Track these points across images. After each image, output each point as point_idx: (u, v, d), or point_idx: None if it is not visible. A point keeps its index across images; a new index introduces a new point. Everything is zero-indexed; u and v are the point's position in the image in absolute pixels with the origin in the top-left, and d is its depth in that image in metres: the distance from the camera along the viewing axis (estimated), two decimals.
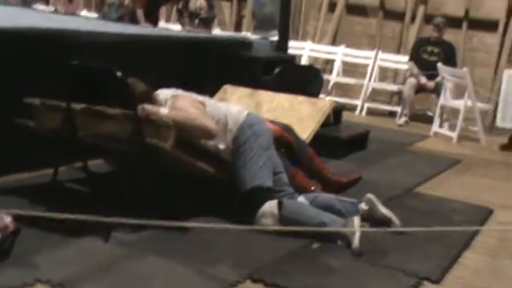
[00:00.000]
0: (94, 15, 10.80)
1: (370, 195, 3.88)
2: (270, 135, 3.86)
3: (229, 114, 3.78)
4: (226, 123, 3.74)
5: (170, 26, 10.09)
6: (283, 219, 3.58)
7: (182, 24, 9.45)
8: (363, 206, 3.84)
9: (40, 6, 10.69)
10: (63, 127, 3.53)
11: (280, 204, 3.62)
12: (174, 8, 10.70)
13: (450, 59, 8.31)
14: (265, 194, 3.65)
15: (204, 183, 3.93)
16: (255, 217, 3.61)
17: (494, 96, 8.73)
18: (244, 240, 3.45)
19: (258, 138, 3.73)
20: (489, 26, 9.06)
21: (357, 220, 3.52)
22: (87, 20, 7.88)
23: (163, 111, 3.53)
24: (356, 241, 3.42)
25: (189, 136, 3.53)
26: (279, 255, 3.34)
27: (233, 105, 4.06)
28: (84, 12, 10.94)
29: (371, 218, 3.82)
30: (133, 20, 7.78)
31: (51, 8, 10.92)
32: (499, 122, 8.63)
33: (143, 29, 7.49)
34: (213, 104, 3.86)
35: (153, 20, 8.40)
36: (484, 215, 4.53)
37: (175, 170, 3.84)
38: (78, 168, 3.75)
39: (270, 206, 3.62)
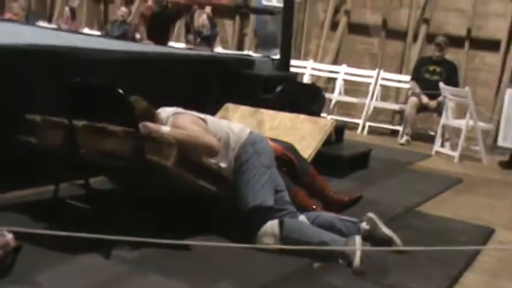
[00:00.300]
0: (96, 32, 10.86)
1: (371, 214, 3.87)
2: (272, 153, 3.86)
3: (231, 132, 3.79)
4: (228, 141, 3.75)
5: (173, 44, 10.13)
6: (284, 239, 3.57)
7: (187, 41, 9.50)
8: (364, 225, 3.83)
9: (43, 24, 10.77)
10: (65, 144, 3.54)
11: (281, 224, 3.61)
12: (182, 25, 10.77)
13: (452, 78, 8.33)
14: (267, 213, 3.65)
15: (205, 201, 3.92)
16: (256, 236, 3.60)
17: (496, 115, 8.74)
18: (245, 259, 3.44)
19: (260, 156, 3.73)
20: (491, 45, 9.10)
21: (358, 239, 3.51)
22: (89, 38, 7.91)
23: (165, 129, 3.54)
24: (357, 260, 3.41)
25: (192, 154, 3.53)
26: (281, 274, 3.33)
27: (235, 123, 4.06)
28: (86, 30, 11.01)
29: (372, 238, 3.81)
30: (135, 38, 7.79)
31: (53, 26, 11.00)
32: (500, 142, 8.61)
33: (145, 46, 7.53)
34: (214, 122, 3.87)
35: (162, 37, 8.40)
36: (485, 234, 4.51)
37: (177, 188, 3.83)
38: (80, 185, 3.75)
39: (272, 225, 3.61)
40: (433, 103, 8.30)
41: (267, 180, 3.70)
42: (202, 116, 3.81)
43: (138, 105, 3.58)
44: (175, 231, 3.42)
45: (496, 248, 4.29)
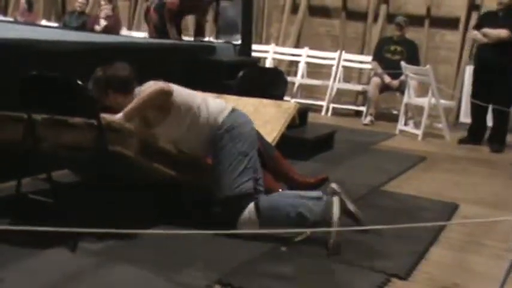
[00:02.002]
0: (54, 24, 10.70)
1: (334, 185, 3.80)
2: (252, 137, 3.77)
3: (204, 107, 3.71)
4: (197, 115, 3.68)
5: (133, 33, 10.06)
6: (262, 222, 3.58)
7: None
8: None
9: None
10: (25, 138, 3.48)
11: (257, 208, 3.60)
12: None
13: (413, 57, 8.40)
14: (245, 201, 3.62)
15: (169, 188, 3.91)
16: (237, 226, 3.58)
17: (457, 92, 8.84)
18: (215, 245, 3.43)
19: (236, 144, 3.66)
20: (450, 23, 9.19)
21: (336, 201, 3.57)
22: (46, 29, 7.79)
23: (118, 116, 3.49)
24: (333, 236, 3.48)
25: (152, 114, 3.59)
26: (251, 258, 3.34)
27: (214, 99, 3.93)
28: (44, 22, 10.84)
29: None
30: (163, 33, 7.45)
31: (9, 18, 10.81)
32: (462, 118, 8.74)
33: (104, 36, 7.44)
34: (185, 91, 3.78)
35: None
36: (450, 210, 4.58)
37: (140, 176, 3.81)
38: (42, 179, 3.70)
39: (249, 212, 3.60)
40: (395, 82, 8.36)
41: (243, 168, 3.64)
42: (171, 84, 3.74)
43: (119, 71, 3.63)
44: (141, 221, 3.40)
45: (460, 222, 4.36)
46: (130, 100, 3.61)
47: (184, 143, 3.71)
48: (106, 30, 9.20)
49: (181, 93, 3.72)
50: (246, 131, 3.75)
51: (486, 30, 7.08)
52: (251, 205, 3.60)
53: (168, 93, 3.62)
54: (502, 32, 6.95)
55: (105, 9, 9.72)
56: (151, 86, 3.64)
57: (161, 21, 7.19)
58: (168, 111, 3.65)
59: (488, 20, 7.29)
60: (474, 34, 7.37)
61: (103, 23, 9.54)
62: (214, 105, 3.78)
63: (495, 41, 6.99)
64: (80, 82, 3.29)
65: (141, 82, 3.77)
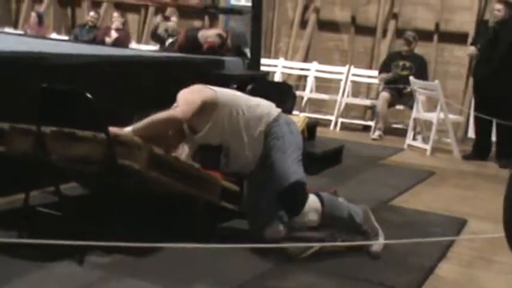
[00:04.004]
0: (64, 37, 10.76)
1: (340, 200, 3.88)
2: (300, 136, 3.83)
3: (255, 106, 3.71)
4: (248, 114, 3.65)
5: (142, 47, 10.10)
6: (324, 213, 3.63)
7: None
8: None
9: (9, 30, 10.65)
10: (34, 151, 3.50)
11: (320, 199, 3.65)
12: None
13: (421, 72, 8.39)
14: (305, 189, 3.62)
15: (179, 202, 3.91)
16: (302, 213, 3.59)
17: (466, 107, 8.82)
18: (223, 259, 3.43)
19: (294, 136, 3.70)
20: (459, 38, 9.17)
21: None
22: (57, 43, 7.84)
23: (126, 129, 3.49)
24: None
25: (161, 135, 3.58)
26: (259, 272, 3.34)
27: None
28: (54, 35, 10.90)
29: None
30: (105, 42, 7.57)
31: (20, 32, 10.88)
32: (471, 133, 8.70)
33: (114, 50, 7.47)
34: (229, 93, 3.79)
35: None
36: (458, 225, 4.56)
37: (150, 190, 3.81)
38: (51, 192, 3.71)
39: (314, 201, 3.63)
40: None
41: (300, 159, 3.68)
42: (213, 87, 3.73)
43: None
44: (149, 234, 3.40)
45: (469, 238, 4.33)
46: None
47: (235, 142, 3.68)
48: (116, 43, 9.24)
49: (224, 96, 3.69)
50: (296, 128, 3.81)
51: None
52: (312, 196, 3.64)
53: (177, 123, 3.60)
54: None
55: (117, 21, 9.78)
56: (155, 115, 3.57)
57: (186, 46, 7.23)
58: (212, 116, 3.63)
59: (485, 34, 7.29)
60: (471, 49, 7.39)
61: (114, 34, 9.60)
62: (264, 102, 3.80)
63: (492, 56, 6.99)
64: (89, 95, 3.30)
65: (149, 95, 3.77)
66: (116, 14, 10.05)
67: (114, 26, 9.74)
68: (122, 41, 9.42)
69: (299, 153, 3.66)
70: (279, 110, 3.79)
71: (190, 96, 3.62)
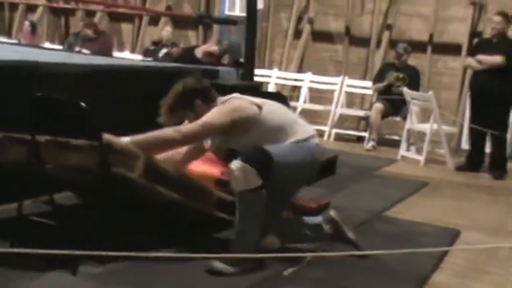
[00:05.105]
0: (58, 46, 10.75)
1: (332, 213, 3.88)
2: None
3: (299, 126, 3.72)
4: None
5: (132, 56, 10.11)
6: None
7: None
8: (328, 229, 3.83)
9: (2, 39, 10.64)
10: (28, 160, 3.49)
11: None
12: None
13: (414, 83, 8.42)
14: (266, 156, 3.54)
15: (173, 212, 3.89)
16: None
17: (459, 118, 8.85)
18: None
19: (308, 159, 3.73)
20: (453, 49, 9.22)
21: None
22: (51, 52, 7.83)
23: (125, 139, 3.48)
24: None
25: (161, 152, 3.57)
26: (254, 282, 3.33)
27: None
28: (47, 44, 10.90)
29: (338, 240, 3.82)
30: None
31: (13, 40, 10.87)
32: (464, 144, 8.73)
33: (108, 59, 7.47)
34: (276, 110, 3.74)
35: None
36: (451, 236, 4.57)
37: (144, 200, 3.80)
38: (44, 202, 3.70)
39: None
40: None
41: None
42: (259, 101, 3.68)
43: (203, 82, 3.73)
44: (142, 244, 3.39)
45: (462, 248, 4.34)
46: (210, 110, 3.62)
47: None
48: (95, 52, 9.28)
49: (269, 113, 3.64)
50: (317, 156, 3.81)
51: (480, 56, 7.13)
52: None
53: (174, 145, 3.62)
54: (496, 59, 6.99)
55: (87, 31, 9.84)
56: (156, 133, 3.58)
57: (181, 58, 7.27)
58: (248, 130, 3.59)
59: (483, 46, 7.37)
60: (469, 61, 7.44)
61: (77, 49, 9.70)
62: (307, 125, 3.82)
63: (490, 68, 7.02)
64: (83, 104, 3.29)
65: (143, 104, 3.76)
66: (81, 24, 10.14)
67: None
68: (100, 49, 9.40)
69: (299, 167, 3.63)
70: (315, 134, 3.78)
71: (215, 116, 3.58)
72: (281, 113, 3.74)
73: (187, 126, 3.60)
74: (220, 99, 3.74)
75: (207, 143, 3.78)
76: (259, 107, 3.62)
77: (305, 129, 3.72)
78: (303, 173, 3.70)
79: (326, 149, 3.86)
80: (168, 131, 3.57)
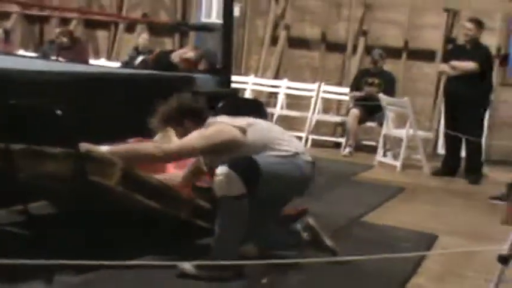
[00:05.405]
0: (33, 54, 10.65)
1: (310, 221, 3.88)
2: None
3: (284, 143, 3.69)
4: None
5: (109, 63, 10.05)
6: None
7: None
8: (305, 236, 3.83)
9: None
10: (2, 169, 3.44)
11: None
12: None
13: (390, 89, 8.46)
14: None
15: (151, 220, 3.87)
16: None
17: (435, 124, 8.91)
18: (192, 277, 3.39)
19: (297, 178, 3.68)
20: (427, 56, 9.30)
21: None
22: (24, 59, 7.75)
23: (104, 148, 3.47)
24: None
25: (139, 164, 3.56)
26: None
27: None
28: (21, 52, 10.79)
29: (314, 248, 3.82)
30: None
31: None
32: (440, 149, 8.79)
33: (83, 66, 7.41)
34: (262, 130, 3.72)
35: None
36: (429, 241, 4.58)
37: (121, 207, 3.77)
38: (18, 211, 3.66)
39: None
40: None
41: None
42: (244, 123, 3.67)
43: (196, 103, 3.76)
44: (121, 252, 3.35)
45: (440, 252, 4.36)
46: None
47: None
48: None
49: (254, 135, 3.64)
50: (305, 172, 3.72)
51: (454, 62, 7.21)
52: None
53: (155, 160, 3.66)
54: (469, 65, 7.07)
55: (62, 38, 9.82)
56: (137, 146, 3.69)
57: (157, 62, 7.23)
58: (232, 152, 3.57)
59: (456, 53, 7.47)
60: (442, 67, 7.52)
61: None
62: (294, 141, 3.84)
63: (463, 73, 7.10)
64: (58, 111, 3.26)
65: (119, 112, 3.75)
66: (57, 30, 10.08)
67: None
68: (79, 58, 9.35)
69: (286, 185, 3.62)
70: (303, 150, 3.76)
71: (195, 139, 3.59)
72: (267, 132, 3.73)
73: (167, 145, 3.64)
74: (209, 121, 3.74)
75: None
76: (244, 130, 3.63)
77: (293, 145, 3.72)
78: (292, 187, 3.69)
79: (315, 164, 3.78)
80: (149, 146, 3.64)
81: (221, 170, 3.38)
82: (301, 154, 3.69)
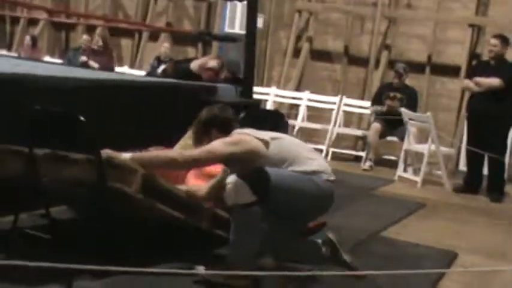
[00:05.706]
0: (58, 60, 10.77)
1: (330, 235, 3.85)
2: None
3: (308, 159, 3.68)
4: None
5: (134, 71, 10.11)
6: None
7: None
8: (324, 251, 3.81)
9: (2, 52, 10.66)
10: (26, 173, 3.47)
11: None
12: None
13: (412, 104, 8.41)
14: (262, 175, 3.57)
15: (171, 227, 3.88)
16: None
17: (457, 140, 8.85)
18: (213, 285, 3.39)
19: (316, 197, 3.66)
20: (451, 71, 9.25)
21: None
22: (51, 66, 7.83)
23: (125, 155, 3.49)
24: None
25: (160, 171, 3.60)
26: None
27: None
28: (47, 58, 10.91)
29: (333, 262, 3.80)
30: None
31: (14, 54, 10.89)
32: (462, 166, 8.72)
33: (108, 74, 7.47)
34: (286, 143, 3.73)
35: None
36: (448, 259, 4.55)
37: (141, 215, 3.78)
38: (40, 215, 3.68)
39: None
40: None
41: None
42: (267, 137, 3.67)
43: (224, 112, 3.78)
44: (139, 259, 3.36)
45: (460, 271, 4.32)
46: None
47: None
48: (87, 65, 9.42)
49: (277, 147, 3.64)
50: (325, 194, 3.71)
51: (478, 79, 7.16)
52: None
53: (176, 166, 3.71)
54: (494, 81, 7.02)
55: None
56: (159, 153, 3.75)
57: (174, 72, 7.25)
58: (254, 162, 3.58)
59: (480, 69, 7.41)
60: (466, 83, 7.47)
61: (83, 59, 9.79)
62: (321, 159, 3.85)
63: (487, 90, 7.05)
64: (81, 118, 3.29)
65: (141, 120, 3.77)
66: (85, 37, 10.23)
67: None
68: (101, 63, 9.48)
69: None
70: (326, 169, 3.72)
71: (217, 146, 3.60)
72: (291, 149, 3.72)
73: (189, 151, 3.68)
74: (234, 131, 3.75)
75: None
76: (267, 143, 3.63)
77: (316, 163, 3.70)
78: (309, 203, 3.65)
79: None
80: (170, 152, 3.75)
81: (231, 179, 3.41)
82: (323, 173, 3.66)
